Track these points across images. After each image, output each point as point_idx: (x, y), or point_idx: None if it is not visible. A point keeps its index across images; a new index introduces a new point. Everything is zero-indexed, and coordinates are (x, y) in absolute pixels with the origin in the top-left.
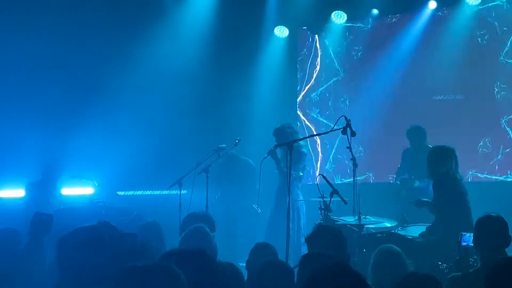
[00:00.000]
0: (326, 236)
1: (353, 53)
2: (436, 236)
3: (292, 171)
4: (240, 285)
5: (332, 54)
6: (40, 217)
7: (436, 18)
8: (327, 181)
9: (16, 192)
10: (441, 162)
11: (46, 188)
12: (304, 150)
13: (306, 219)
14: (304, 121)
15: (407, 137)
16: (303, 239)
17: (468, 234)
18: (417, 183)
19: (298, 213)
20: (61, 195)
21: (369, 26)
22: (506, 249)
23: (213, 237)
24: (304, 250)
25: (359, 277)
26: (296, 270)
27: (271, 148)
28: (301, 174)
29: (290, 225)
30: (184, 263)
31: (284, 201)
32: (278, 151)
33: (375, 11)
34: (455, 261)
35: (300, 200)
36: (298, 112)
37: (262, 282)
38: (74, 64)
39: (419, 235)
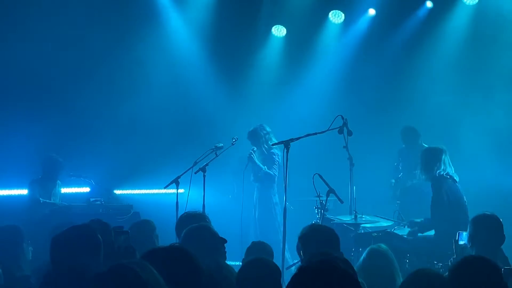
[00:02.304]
0: (319, 235)
1: (348, 53)
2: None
3: (269, 171)
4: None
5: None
6: None
7: (432, 17)
8: (323, 180)
9: (18, 191)
10: (434, 163)
11: (47, 185)
12: (275, 150)
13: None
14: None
15: (401, 136)
16: (280, 236)
17: (465, 233)
18: (409, 183)
19: (278, 209)
20: (60, 193)
21: (365, 25)
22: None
23: (217, 236)
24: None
25: (346, 272)
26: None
27: (250, 154)
28: (277, 174)
29: (271, 224)
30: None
31: (266, 206)
32: (255, 155)
33: (371, 11)
34: (452, 260)
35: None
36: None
37: (246, 279)
38: (71, 63)
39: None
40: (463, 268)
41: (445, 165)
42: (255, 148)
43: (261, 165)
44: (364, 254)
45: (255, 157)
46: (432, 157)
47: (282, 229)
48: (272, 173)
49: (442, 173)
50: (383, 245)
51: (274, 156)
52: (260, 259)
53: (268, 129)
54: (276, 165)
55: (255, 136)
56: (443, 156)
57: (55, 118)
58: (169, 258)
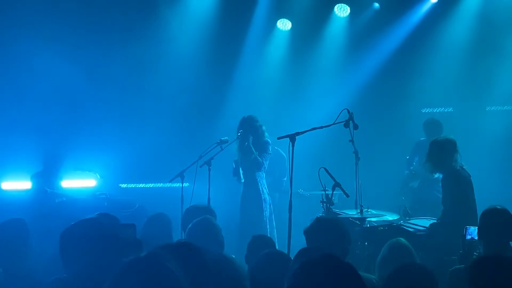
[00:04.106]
0: (325, 229)
1: (353, 47)
2: (445, 229)
3: (258, 158)
4: (238, 278)
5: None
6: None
7: (436, 11)
8: (329, 174)
9: (21, 184)
10: (453, 155)
11: (49, 179)
12: (268, 140)
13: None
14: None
15: (423, 128)
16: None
17: (472, 228)
18: (437, 175)
19: (265, 204)
20: (61, 186)
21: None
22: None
23: (220, 229)
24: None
25: (349, 266)
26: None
27: (248, 140)
28: (265, 164)
29: (263, 215)
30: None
31: (252, 195)
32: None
33: (376, 5)
34: (459, 255)
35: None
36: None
37: (262, 273)
38: (77, 57)
39: (430, 225)
40: (482, 267)
41: (459, 156)
42: (251, 137)
43: (254, 150)
44: (384, 249)
45: (251, 143)
46: (450, 149)
47: (272, 223)
48: (261, 160)
49: (459, 164)
50: (402, 239)
51: (268, 146)
52: (275, 252)
53: (260, 121)
54: (267, 154)
55: (251, 128)
56: (456, 147)
57: (61, 112)
58: (178, 253)
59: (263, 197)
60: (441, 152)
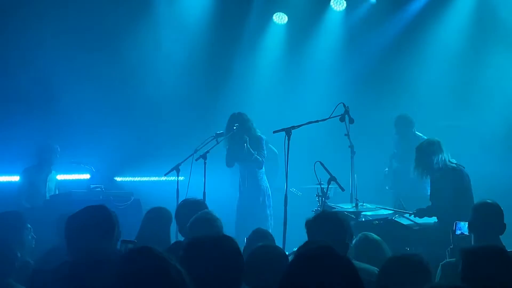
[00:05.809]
0: (328, 222)
1: (350, 40)
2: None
3: (258, 157)
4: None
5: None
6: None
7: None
8: (324, 168)
9: (11, 178)
10: (437, 155)
11: (42, 173)
12: (261, 135)
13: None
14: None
15: (394, 125)
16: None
17: (462, 223)
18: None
19: (269, 200)
20: (56, 180)
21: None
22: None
23: (221, 223)
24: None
25: (344, 259)
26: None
27: (246, 143)
28: (264, 160)
29: (268, 211)
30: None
31: (253, 190)
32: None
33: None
34: (449, 250)
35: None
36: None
37: (256, 265)
38: (73, 52)
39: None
40: (477, 257)
41: (446, 154)
42: (247, 138)
43: (252, 151)
44: (355, 243)
45: (248, 144)
46: (436, 150)
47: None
48: (261, 159)
49: (448, 161)
50: (369, 233)
51: (262, 141)
52: (269, 246)
53: (250, 118)
54: (264, 151)
55: (244, 126)
56: (441, 146)
57: (56, 105)
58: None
59: (267, 193)
60: (428, 155)
